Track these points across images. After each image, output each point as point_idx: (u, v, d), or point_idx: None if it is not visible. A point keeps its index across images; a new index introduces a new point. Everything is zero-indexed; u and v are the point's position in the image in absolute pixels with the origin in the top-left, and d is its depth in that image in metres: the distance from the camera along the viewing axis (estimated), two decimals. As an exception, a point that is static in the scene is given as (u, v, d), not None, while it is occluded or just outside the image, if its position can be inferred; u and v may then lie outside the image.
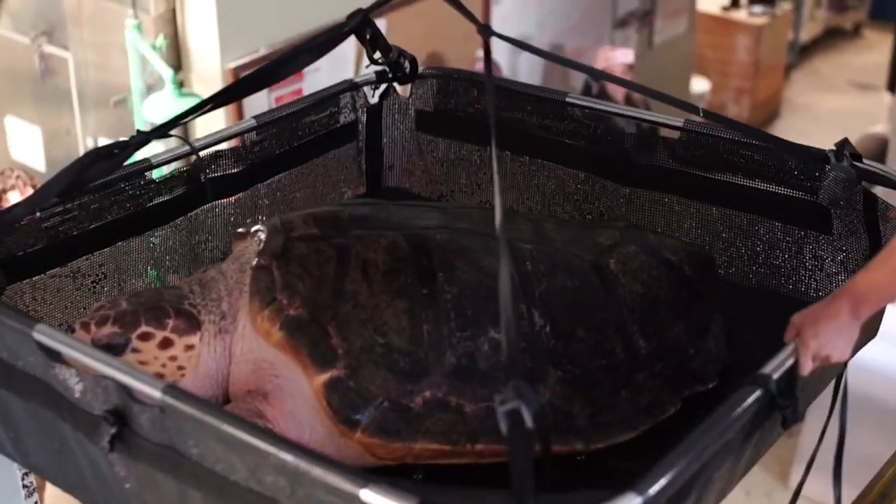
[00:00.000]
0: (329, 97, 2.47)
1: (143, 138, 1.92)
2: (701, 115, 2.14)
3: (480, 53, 6.49)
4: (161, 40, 4.88)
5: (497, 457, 1.71)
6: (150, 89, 4.98)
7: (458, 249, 1.87)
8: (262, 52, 5.05)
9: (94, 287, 2.15)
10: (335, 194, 2.59)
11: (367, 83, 2.52)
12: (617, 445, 1.83)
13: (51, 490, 3.31)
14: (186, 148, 2.17)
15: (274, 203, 2.44)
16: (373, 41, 2.27)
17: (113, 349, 1.77)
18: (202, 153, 2.24)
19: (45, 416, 1.71)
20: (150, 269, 2.24)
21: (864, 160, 2.05)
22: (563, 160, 2.44)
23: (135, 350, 1.79)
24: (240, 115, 4.92)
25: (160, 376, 1.79)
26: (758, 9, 9.66)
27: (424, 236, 1.89)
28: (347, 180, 2.61)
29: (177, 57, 5.11)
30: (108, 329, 1.78)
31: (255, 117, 2.33)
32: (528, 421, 1.33)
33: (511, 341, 1.42)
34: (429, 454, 1.76)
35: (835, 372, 1.99)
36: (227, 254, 2.23)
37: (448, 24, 6.42)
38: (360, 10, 2.15)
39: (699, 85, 9.08)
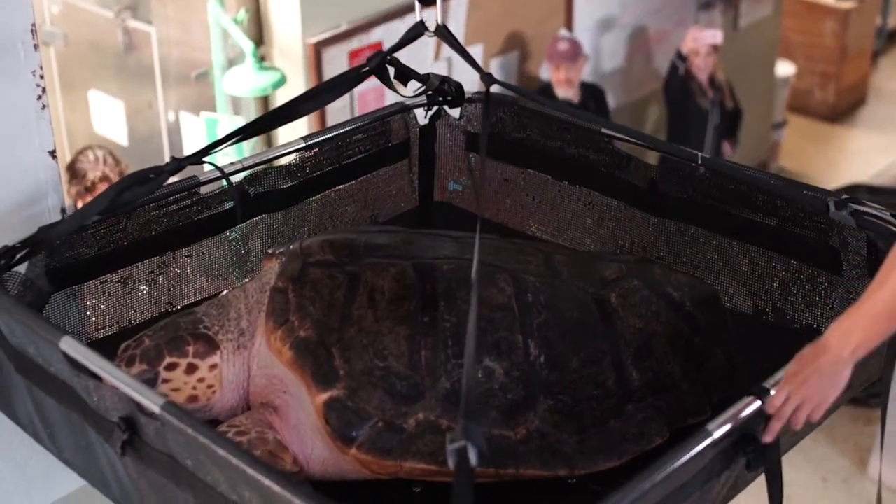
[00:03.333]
0: (381, 118, 2.61)
1: (176, 165, 2.08)
2: (699, 160, 2.22)
3: (562, 32, 6.58)
4: (243, 14, 4.97)
5: (483, 478, 1.84)
6: (231, 63, 5.10)
7: (462, 279, 1.99)
8: (344, 27, 5.06)
9: (145, 292, 2.34)
10: (387, 208, 2.74)
11: (418, 106, 2.65)
12: (601, 472, 1.93)
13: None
14: (231, 167, 2.32)
15: (323, 217, 2.60)
16: (402, 76, 2.39)
17: (146, 385, 1.93)
18: (253, 169, 2.40)
19: (73, 418, 1.90)
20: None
21: (868, 204, 2.10)
22: (599, 187, 2.53)
23: (165, 381, 1.97)
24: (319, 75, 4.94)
25: (194, 398, 1.99)
26: (846, -7, 9.51)
27: (432, 266, 2.02)
28: (399, 196, 2.75)
29: (258, 31, 5.20)
30: (137, 368, 1.97)
31: (303, 138, 2.48)
32: (474, 460, 1.46)
33: (469, 384, 1.55)
34: (419, 472, 1.89)
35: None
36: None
37: (527, 4, 6.55)
38: (379, 52, 2.28)
39: (784, 69, 8.96)
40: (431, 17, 2.38)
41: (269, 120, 2.31)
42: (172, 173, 2.10)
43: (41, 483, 2.44)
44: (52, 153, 2.36)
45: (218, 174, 2.31)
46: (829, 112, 9.84)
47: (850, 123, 9.94)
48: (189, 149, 5.68)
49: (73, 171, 5.07)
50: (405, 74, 2.40)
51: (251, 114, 5.33)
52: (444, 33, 2.31)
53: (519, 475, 1.88)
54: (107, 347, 2.25)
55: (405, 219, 2.76)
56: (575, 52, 6.52)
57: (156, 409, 1.66)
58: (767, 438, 1.77)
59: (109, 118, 6.11)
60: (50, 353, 1.85)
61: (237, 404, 2.04)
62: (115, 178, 5.16)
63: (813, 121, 9.81)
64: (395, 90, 2.47)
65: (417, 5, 2.29)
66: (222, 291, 2.31)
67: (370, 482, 1.95)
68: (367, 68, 2.29)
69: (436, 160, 2.76)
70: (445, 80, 2.54)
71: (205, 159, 2.17)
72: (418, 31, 2.31)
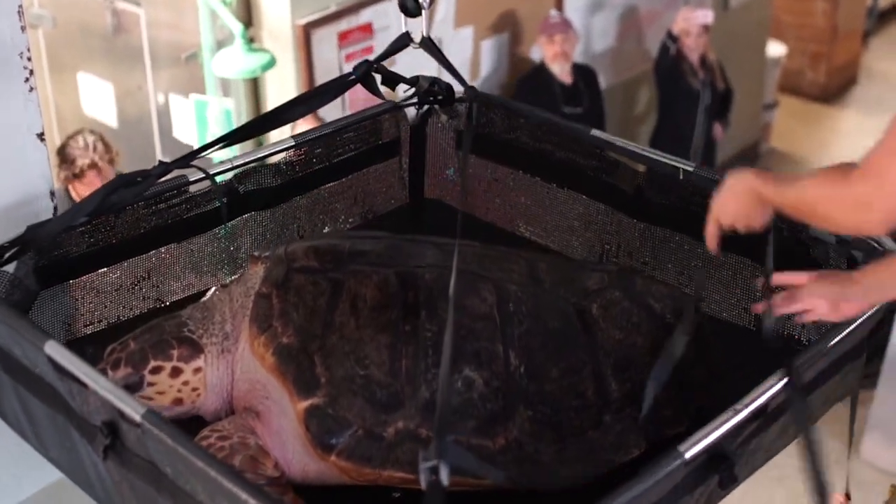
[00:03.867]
0: (371, 117, 2.62)
1: (163, 169, 2.10)
2: (681, 175, 2.24)
3: (553, 13, 6.57)
4: None
5: (460, 486, 1.86)
6: (220, 45, 5.10)
7: (443, 289, 2.00)
8: (333, 8, 5.05)
9: (133, 288, 2.36)
10: (377, 205, 2.76)
11: (409, 105, 2.66)
12: (579, 482, 1.95)
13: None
14: (220, 166, 2.33)
15: (313, 215, 2.62)
16: (389, 81, 2.40)
17: (131, 388, 1.96)
18: (243, 167, 2.42)
19: (57, 419, 1.92)
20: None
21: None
22: (586, 191, 2.55)
23: (150, 384, 2.00)
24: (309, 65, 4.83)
25: (179, 401, 2.02)
26: (837, -27, 9.47)
27: (414, 274, 2.04)
28: (389, 193, 2.78)
29: (247, 12, 5.21)
30: (122, 371, 1.99)
31: (293, 136, 2.49)
32: (445, 480, 1.48)
33: (444, 401, 1.57)
34: (397, 480, 1.91)
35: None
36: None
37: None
38: (365, 62, 2.30)
39: (775, 49, 8.94)
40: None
41: (257, 125, 2.33)
42: (160, 176, 2.12)
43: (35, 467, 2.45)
44: (41, 136, 2.36)
45: (188, 155, 2.31)
46: (820, 93, 9.82)
47: (842, 104, 9.92)
48: (178, 131, 5.71)
49: (63, 156, 5.08)
50: (393, 80, 2.42)
51: (240, 96, 5.34)
52: (428, 45, 2.32)
53: (497, 484, 1.91)
54: (95, 343, 2.29)
55: (395, 216, 2.79)
56: (567, 24, 6.53)
57: (137, 417, 1.68)
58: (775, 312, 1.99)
59: (99, 100, 6.12)
60: (35, 355, 1.87)
61: (221, 407, 2.06)
62: (104, 165, 5.18)
63: (804, 101, 9.79)
64: (381, 97, 2.48)
65: (402, 17, 2.31)
66: (210, 288, 2.33)
67: (350, 486, 1.97)
68: (353, 77, 2.30)
69: (426, 158, 2.78)
70: (435, 81, 2.55)
71: (192, 163, 2.18)
72: (404, 42, 2.32)
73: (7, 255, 2.07)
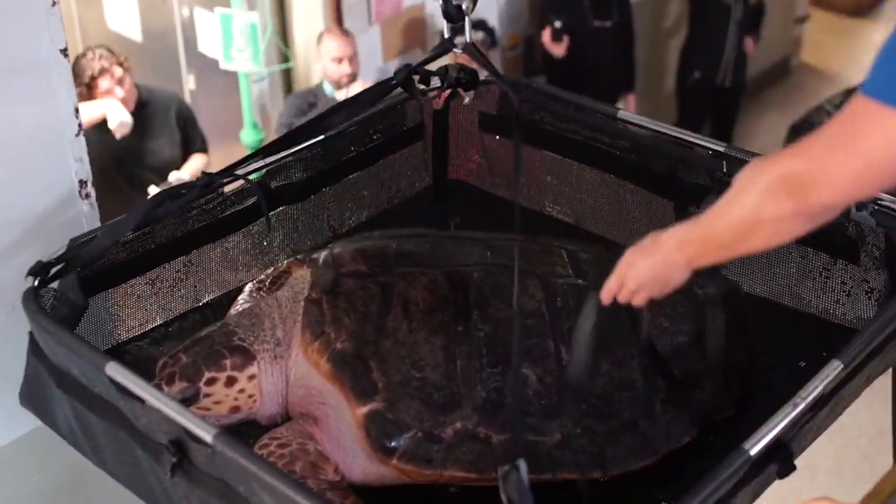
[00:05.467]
0: (396, 104, 2.63)
1: (207, 181, 2.12)
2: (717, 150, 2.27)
3: None
4: None
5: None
6: None
7: (492, 287, 2.03)
8: None
9: (172, 290, 2.38)
10: (403, 189, 2.77)
11: (433, 89, 2.66)
12: (632, 471, 1.99)
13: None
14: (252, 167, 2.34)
15: (342, 204, 2.63)
16: (425, 79, 2.41)
17: (188, 401, 1.98)
18: (271, 161, 2.43)
19: (119, 435, 1.94)
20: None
21: (886, 201, 2.15)
22: (614, 170, 2.57)
23: (206, 395, 2.01)
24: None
25: (236, 409, 2.04)
26: None
27: (462, 274, 2.06)
28: (414, 176, 2.79)
29: None
30: (178, 386, 2.00)
31: (322, 129, 2.49)
32: (525, 478, 1.52)
33: (515, 403, 1.60)
34: (458, 479, 1.95)
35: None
36: (293, 255, 2.45)
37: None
38: (407, 66, 2.30)
39: None
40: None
41: (298, 134, 2.34)
42: (204, 188, 2.12)
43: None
44: (64, 51, 2.33)
45: (240, 173, 2.33)
46: (853, 6, 9.67)
47: (874, 18, 9.77)
48: (203, 45, 5.81)
49: (74, 73, 5.12)
50: (428, 78, 2.43)
51: (266, 9, 5.31)
52: (471, 51, 2.32)
53: (554, 479, 1.95)
54: (138, 348, 2.32)
55: (420, 198, 2.81)
56: None
57: (209, 438, 1.70)
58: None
59: (123, 14, 6.11)
60: (95, 376, 1.88)
61: (277, 412, 2.09)
62: (113, 68, 5.22)
63: (836, 15, 9.64)
64: (418, 99, 2.49)
65: (446, 23, 2.31)
66: (245, 284, 2.36)
67: (409, 484, 2.01)
68: (394, 81, 2.31)
69: (449, 139, 2.79)
70: (461, 68, 2.56)
71: (237, 172, 2.19)
72: (446, 47, 2.32)
73: (52, 272, 2.08)
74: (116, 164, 5.92)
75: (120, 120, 5.62)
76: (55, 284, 2.10)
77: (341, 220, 2.66)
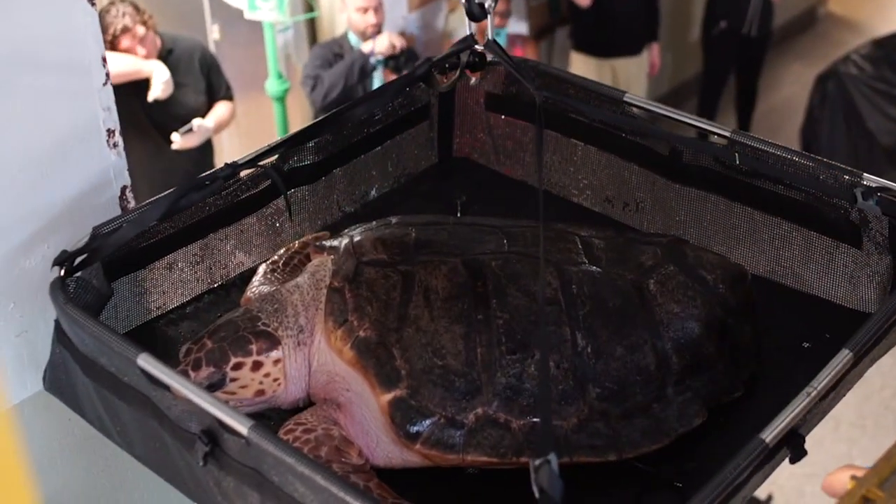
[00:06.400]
0: (406, 85, 2.66)
1: (230, 171, 2.15)
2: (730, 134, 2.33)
3: None
4: None
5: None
6: None
7: (510, 275, 2.09)
8: None
9: (188, 273, 2.42)
10: (409, 167, 2.82)
11: (441, 70, 2.70)
12: (645, 454, 2.06)
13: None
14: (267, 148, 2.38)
15: (351, 185, 2.67)
16: (441, 71, 2.45)
17: (214, 386, 2.03)
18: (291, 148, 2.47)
19: (149, 424, 1.99)
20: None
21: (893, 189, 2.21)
22: (619, 151, 2.62)
23: (233, 380, 2.06)
24: None
25: (261, 392, 2.09)
26: None
27: (481, 262, 2.11)
28: (420, 154, 2.84)
29: None
30: (205, 371, 2.05)
31: (334, 113, 2.53)
32: (555, 467, 1.56)
33: (545, 396, 1.67)
34: (479, 463, 2.01)
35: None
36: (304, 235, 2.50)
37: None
38: (428, 60, 2.34)
39: None
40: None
41: (318, 127, 2.37)
42: (226, 180, 2.16)
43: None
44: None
45: (255, 157, 2.37)
46: None
47: None
48: None
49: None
50: (445, 69, 2.47)
51: None
52: (494, 48, 2.36)
53: (571, 462, 2.01)
54: (153, 327, 2.37)
55: (426, 176, 2.85)
56: None
57: (244, 430, 1.75)
58: None
59: None
60: (126, 366, 1.93)
61: (299, 397, 2.14)
62: (136, 28, 5.28)
63: None
64: (437, 89, 2.53)
65: (467, 21, 2.34)
66: (259, 265, 2.41)
67: (429, 467, 2.07)
68: (417, 75, 2.35)
69: (454, 118, 2.83)
70: (472, 52, 2.60)
71: (261, 164, 2.23)
72: (468, 44, 2.35)
73: (77, 262, 2.12)
74: (146, 112, 5.98)
75: (165, 79, 5.71)
76: (80, 273, 2.14)
77: (351, 199, 2.70)
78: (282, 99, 7.29)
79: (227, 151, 7.71)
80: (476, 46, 2.39)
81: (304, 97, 7.31)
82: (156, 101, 5.96)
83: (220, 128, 6.45)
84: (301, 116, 7.68)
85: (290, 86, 7.00)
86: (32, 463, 2.34)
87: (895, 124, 7.22)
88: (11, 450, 0.96)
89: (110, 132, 2.44)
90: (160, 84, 5.84)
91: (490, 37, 2.38)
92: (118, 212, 2.44)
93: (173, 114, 6.13)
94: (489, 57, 2.68)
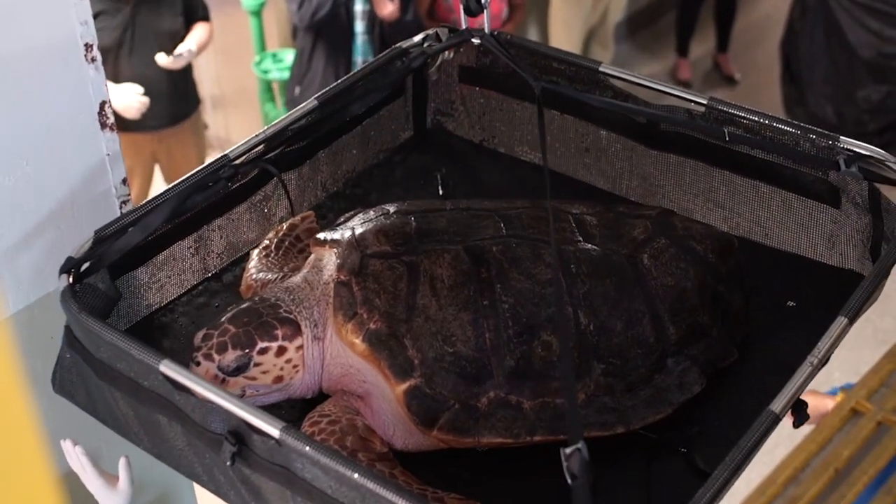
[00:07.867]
0: (382, 65, 2.69)
1: (233, 171, 2.18)
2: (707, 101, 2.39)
3: None
4: None
5: (550, 441, 2.04)
6: None
7: (511, 260, 2.15)
8: None
9: (183, 265, 2.45)
10: (387, 142, 2.86)
11: (415, 46, 2.72)
12: (649, 424, 2.15)
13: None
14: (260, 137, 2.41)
15: (333, 165, 2.71)
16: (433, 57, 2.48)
17: (238, 370, 2.07)
18: (270, 134, 2.49)
19: (171, 426, 2.02)
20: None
21: (874, 155, 2.29)
22: (596, 121, 2.68)
23: (256, 364, 2.09)
24: None
25: (280, 378, 2.12)
26: None
27: (482, 248, 2.17)
28: (397, 128, 2.88)
29: None
30: (232, 354, 2.07)
31: (316, 98, 2.55)
32: (586, 454, 1.63)
33: (570, 385, 1.75)
34: (494, 445, 2.08)
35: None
36: (292, 216, 2.54)
37: None
38: (422, 53, 2.36)
39: None
40: None
41: (319, 123, 2.40)
42: (229, 179, 2.18)
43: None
44: None
45: (246, 150, 2.39)
46: None
47: None
48: None
49: None
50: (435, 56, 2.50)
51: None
52: (490, 42, 2.38)
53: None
54: (156, 320, 2.40)
55: (403, 149, 2.89)
56: None
57: (276, 433, 1.79)
58: None
59: None
60: (146, 372, 1.96)
61: (311, 387, 2.19)
62: None
63: None
64: (425, 77, 2.55)
65: (463, 15, 2.36)
66: (251, 252, 2.44)
67: (444, 449, 2.14)
68: (411, 67, 2.37)
69: (428, 91, 2.87)
70: (451, 29, 2.63)
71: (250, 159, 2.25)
72: (464, 37, 2.38)
73: (83, 269, 2.13)
74: (127, 34, 5.99)
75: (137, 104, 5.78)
76: (88, 279, 2.16)
77: (333, 178, 2.74)
78: (258, 13, 7.16)
79: (205, 70, 7.71)
80: (473, 40, 2.42)
81: (281, 10, 7.16)
82: (135, 26, 5.94)
83: (200, 50, 6.40)
84: (278, 31, 7.57)
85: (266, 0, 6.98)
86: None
87: (875, 37, 7.18)
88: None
89: (88, 46, 2.39)
90: (133, 108, 5.88)
91: (486, 30, 2.40)
92: (98, 130, 2.42)
93: (151, 36, 6.07)
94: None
